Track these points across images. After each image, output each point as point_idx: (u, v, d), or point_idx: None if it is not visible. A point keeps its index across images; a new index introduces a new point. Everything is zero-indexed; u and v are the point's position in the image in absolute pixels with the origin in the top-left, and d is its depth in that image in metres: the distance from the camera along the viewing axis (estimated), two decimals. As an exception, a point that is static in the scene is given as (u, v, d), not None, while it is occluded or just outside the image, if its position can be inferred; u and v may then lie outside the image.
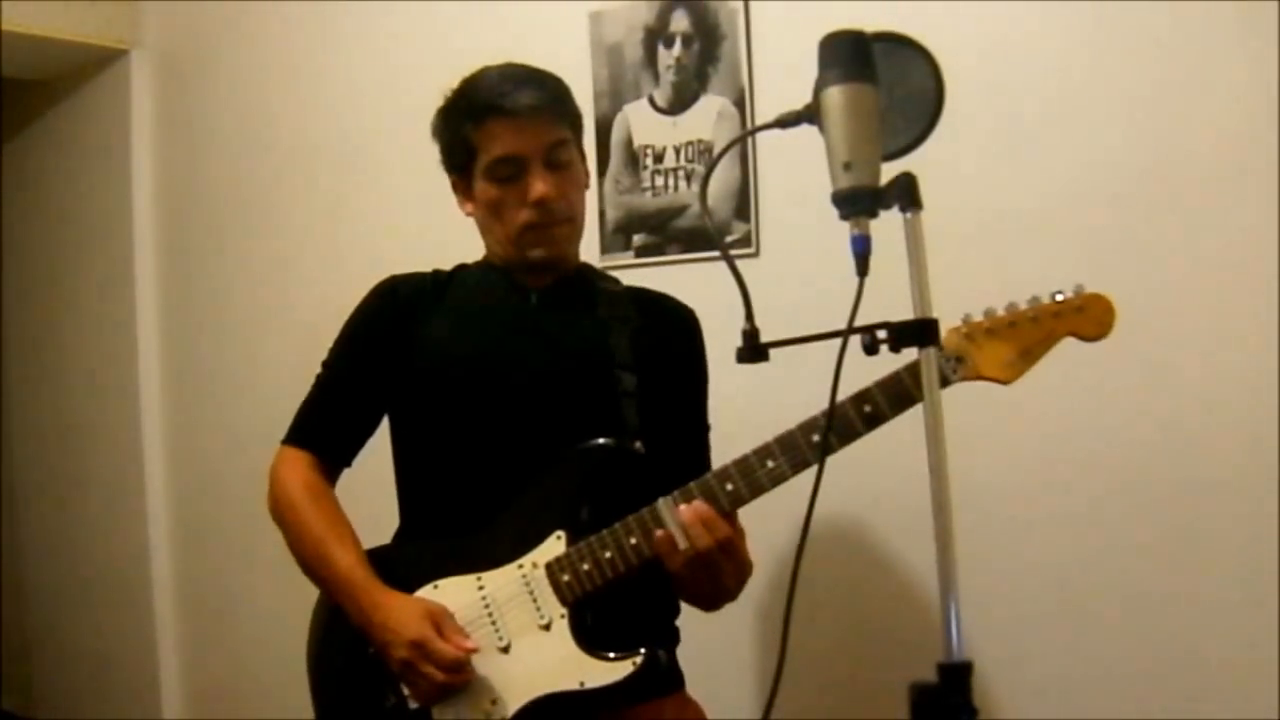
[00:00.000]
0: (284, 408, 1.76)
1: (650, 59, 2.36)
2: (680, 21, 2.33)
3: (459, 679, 1.51)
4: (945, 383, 1.38)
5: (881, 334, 1.13)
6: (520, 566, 1.56)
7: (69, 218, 3.39)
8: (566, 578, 1.53)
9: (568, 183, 1.64)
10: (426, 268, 1.77)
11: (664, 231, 2.36)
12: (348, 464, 1.74)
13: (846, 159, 1.10)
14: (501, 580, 1.56)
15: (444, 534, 1.63)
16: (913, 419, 1.28)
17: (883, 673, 2.11)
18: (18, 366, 3.69)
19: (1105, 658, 1.95)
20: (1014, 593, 2.00)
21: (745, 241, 2.26)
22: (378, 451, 1.74)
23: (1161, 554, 1.91)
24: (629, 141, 2.39)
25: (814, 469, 1.23)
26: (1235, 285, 1.86)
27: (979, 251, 1.99)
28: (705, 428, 1.74)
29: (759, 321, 1.21)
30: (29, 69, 3.25)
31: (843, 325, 1.12)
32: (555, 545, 1.55)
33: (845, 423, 1.41)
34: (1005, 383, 1.41)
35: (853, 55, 1.13)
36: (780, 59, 2.21)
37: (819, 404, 1.26)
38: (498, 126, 1.60)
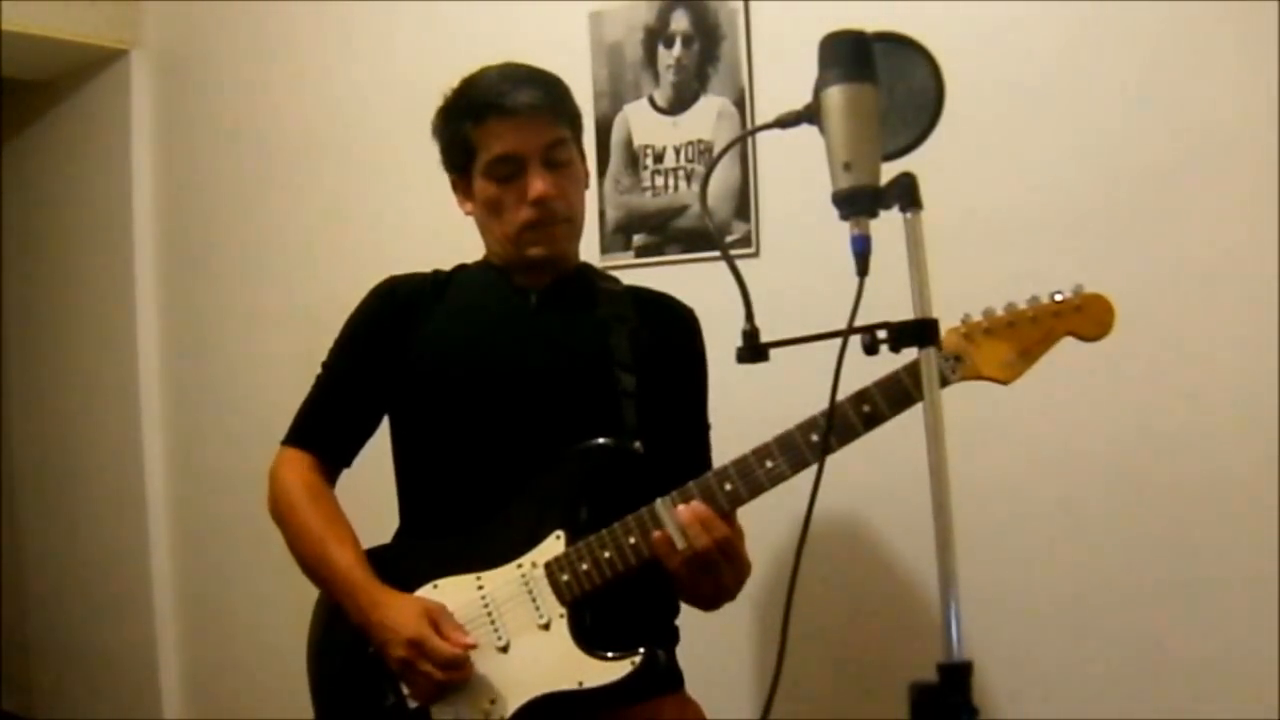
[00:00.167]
0: (284, 408, 1.76)
1: (650, 59, 2.37)
2: (680, 21, 2.33)
3: (458, 677, 1.51)
4: (944, 383, 1.38)
5: (881, 334, 1.13)
6: (519, 566, 1.56)
7: (69, 218, 3.39)
8: (565, 577, 1.53)
9: (567, 182, 1.64)
10: (427, 268, 1.77)
11: (664, 231, 2.36)
12: (348, 464, 1.74)
13: (846, 159, 1.10)
14: (501, 580, 1.56)
15: (443, 533, 1.63)
16: (913, 418, 1.28)
17: (883, 672, 2.11)
18: (18, 366, 3.69)
19: (1105, 658, 1.95)
20: (1014, 593, 2.00)
21: (745, 241, 2.26)
22: (378, 451, 1.74)
23: (1162, 554, 1.91)
24: (629, 141, 2.39)
25: (813, 469, 1.23)
26: (1235, 285, 1.86)
27: (978, 251, 1.99)
28: (705, 427, 1.74)
29: (759, 321, 1.21)
30: (29, 69, 3.25)
31: (843, 325, 1.12)
32: (554, 545, 1.55)
33: (844, 423, 1.41)
34: (1004, 383, 1.41)
35: (853, 55, 1.13)
36: (780, 59, 2.21)
37: (819, 404, 1.26)
38: (497, 125, 1.60)
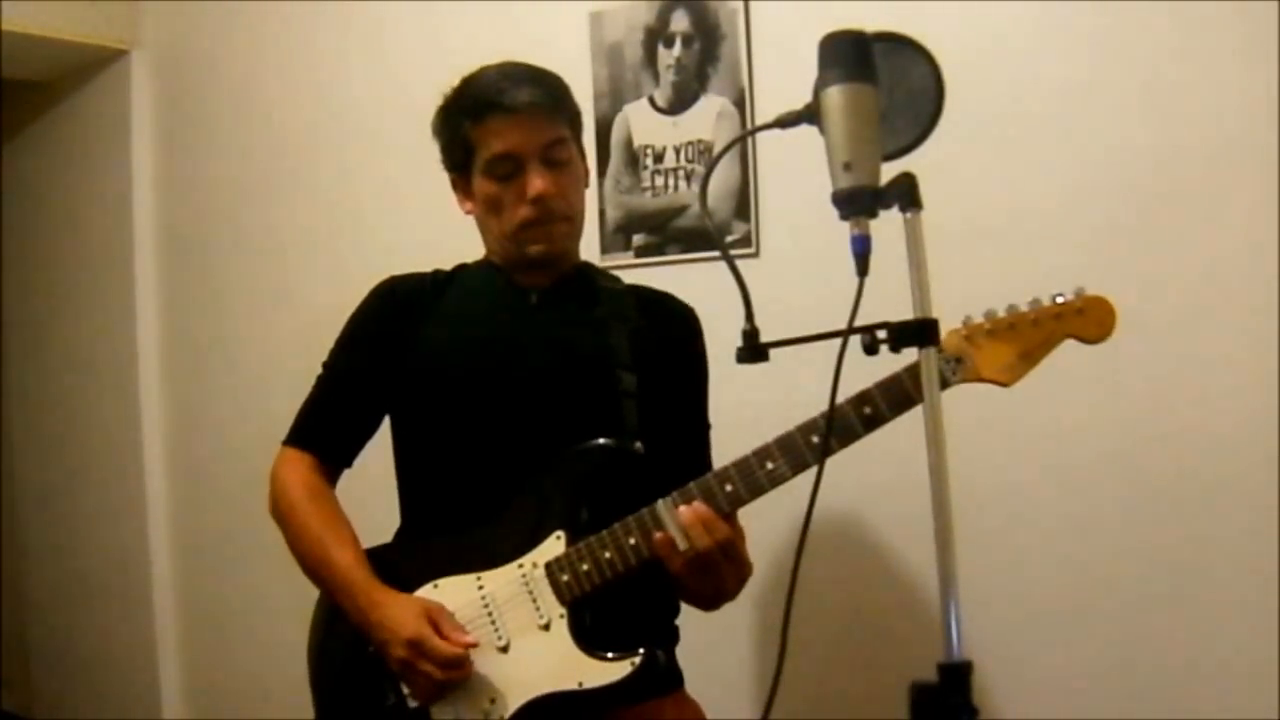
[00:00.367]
0: (284, 407, 1.76)
1: (650, 59, 2.36)
2: (680, 21, 2.33)
3: (458, 676, 1.51)
4: (945, 385, 1.37)
5: (881, 334, 1.13)
6: (520, 566, 1.55)
7: (69, 218, 3.38)
8: (566, 578, 1.53)
9: (566, 180, 1.64)
10: (427, 268, 1.77)
11: (664, 231, 2.36)
12: (348, 464, 1.74)
13: (846, 159, 1.10)
14: (501, 580, 1.56)
15: (444, 533, 1.63)
16: (913, 419, 1.29)
17: (883, 672, 2.11)
18: (18, 365, 3.68)
19: (1105, 658, 1.95)
20: (1014, 593, 2.00)
21: (745, 241, 2.26)
22: (379, 451, 1.74)
23: (1162, 554, 1.91)
24: (629, 141, 2.39)
25: (814, 470, 1.23)
26: (1236, 286, 1.86)
27: (978, 252, 1.99)
28: (706, 427, 1.74)
29: (759, 321, 1.21)
30: (29, 69, 3.25)
31: (843, 325, 1.12)
32: (555, 545, 1.54)
33: (845, 424, 1.41)
34: (1005, 385, 1.40)
35: (853, 55, 1.13)
36: (780, 59, 2.22)
37: (819, 404, 1.26)
38: (496, 124, 1.60)
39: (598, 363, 1.64)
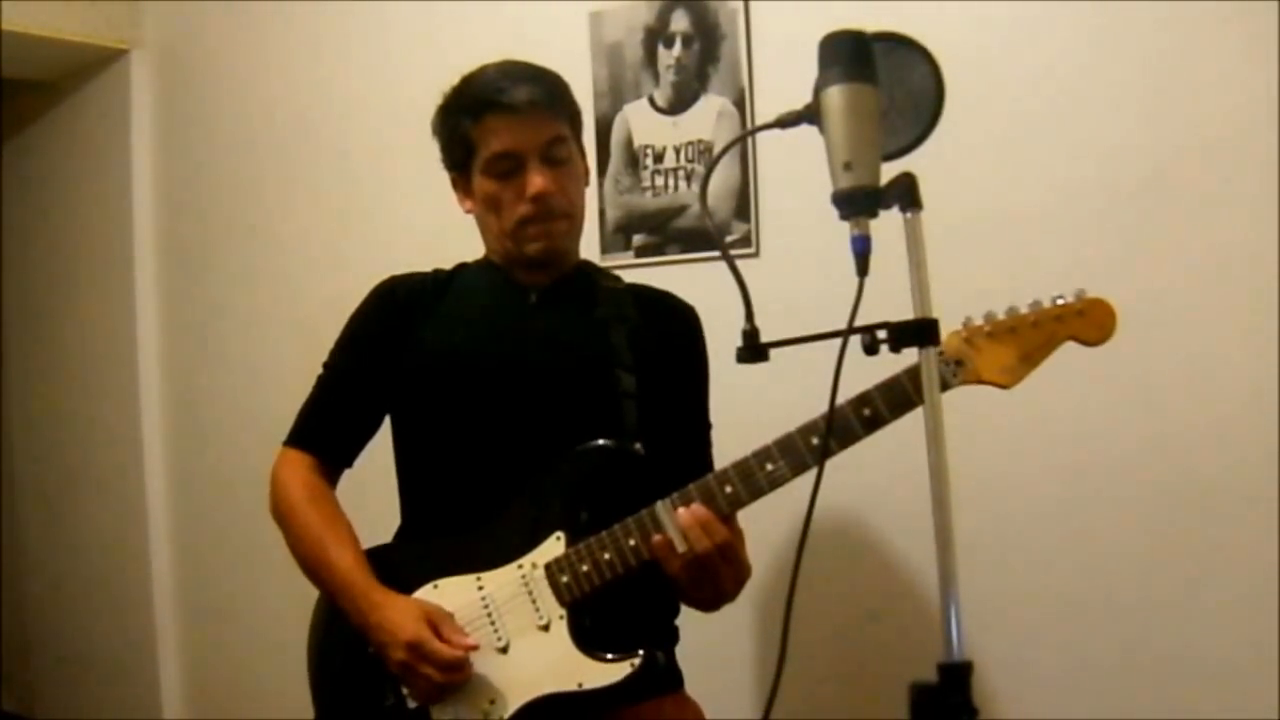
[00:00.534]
0: (284, 407, 1.76)
1: (650, 59, 2.36)
2: (680, 21, 2.33)
3: (457, 678, 1.51)
4: (945, 387, 1.37)
5: (881, 334, 1.13)
6: (520, 567, 1.55)
7: (69, 218, 3.39)
8: (565, 579, 1.52)
9: (566, 178, 1.64)
10: (428, 267, 1.77)
11: (664, 231, 2.36)
12: (349, 465, 1.74)
13: (847, 159, 1.10)
14: (501, 580, 1.56)
15: (444, 533, 1.63)
16: (914, 419, 1.29)
17: (883, 672, 2.11)
18: (18, 365, 3.69)
19: (1105, 658, 1.95)
20: (1014, 593, 2.00)
21: (745, 241, 2.25)
22: (379, 451, 1.74)
23: (1162, 554, 1.91)
24: (629, 141, 2.39)
25: (813, 471, 1.23)
26: (1236, 286, 1.86)
27: (978, 252, 1.99)
28: (706, 426, 1.73)
29: (759, 321, 1.21)
30: (29, 69, 3.25)
31: (843, 325, 1.12)
32: (555, 546, 1.54)
33: (845, 426, 1.40)
34: (1005, 387, 1.40)
35: (853, 55, 1.13)
36: (780, 59, 2.21)
37: (819, 404, 1.26)
38: (495, 122, 1.60)
39: (597, 363, 1.64)
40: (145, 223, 3.17)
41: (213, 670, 3.12)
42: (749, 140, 2.23)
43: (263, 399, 2.85)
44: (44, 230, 3.49)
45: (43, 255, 3.51)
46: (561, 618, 1.53)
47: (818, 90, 1.14)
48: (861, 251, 1.10)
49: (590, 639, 1.52)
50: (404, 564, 1.61)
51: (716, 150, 2.28)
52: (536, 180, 1.59)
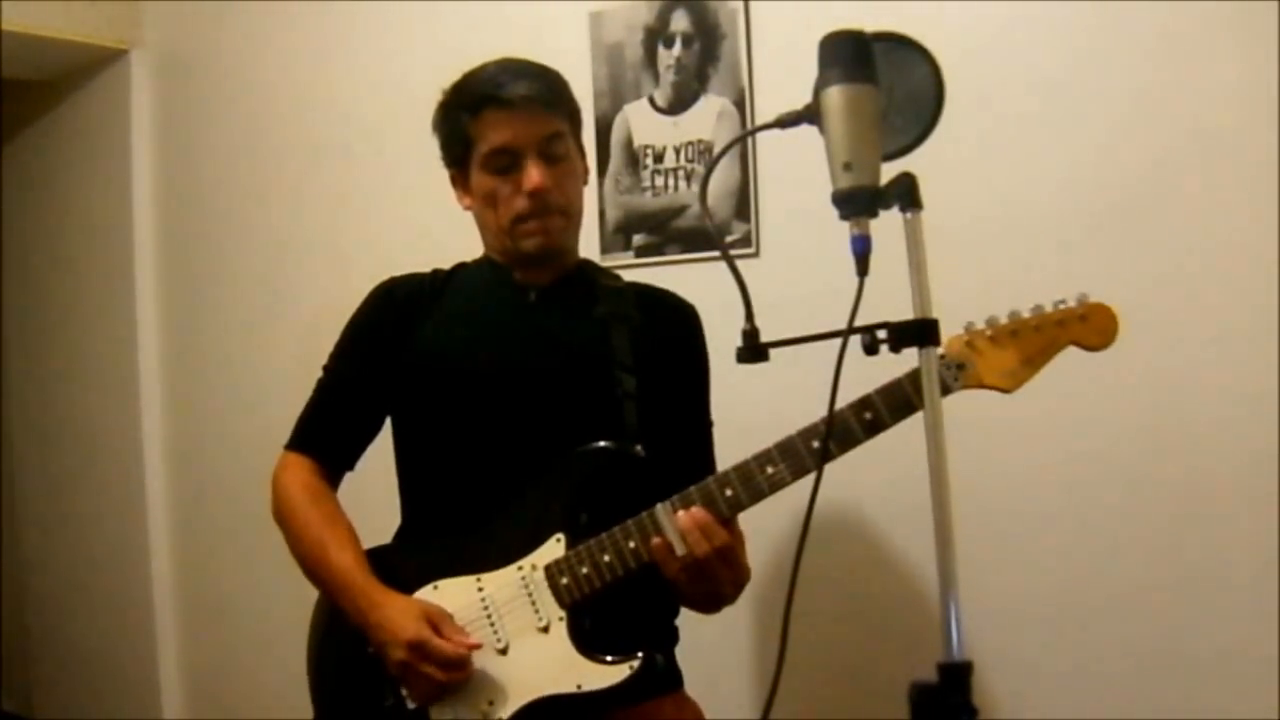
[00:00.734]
0: (284, 407, 1.76)
1: (650, 59, 2.36)
2: (680, 21, 2.33)
3: (459, 677, 1.51)
4: (947, 391, 1.36)
5: (881, 334, 1.13)
6: (520, 568, 1.55)
7: (69, 218, 3.39)
8: (565, 580, 1.52)
9: (563, 175, 1.63)
10: (428, 267, 1.77)
11: (664, 231, 2.36)
12: (350, 467, 1.74)
13: (846, 159, 1.10)
14: (501, 582, 1.56)
15: (444, 534, 1.63)
16: (914, 419, 1.29)
17: (883, 672, 2.11)
18: (18, 366, 3.68)
19: (1105, 658, 1.95)
20: (1014, 593, 2.00)
21: (745, 241, 2.25)
22: (379, 452, 1.74)
23: (1162, 555, 1.91)
24: (629, 141, 2.39)
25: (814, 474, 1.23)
26: (1236, 286, 1.85)
27: (978, 252, 1.99)
28: (708, 424, 1.73)
29: (759, 321, 1.21)
30: (29, 69, 3.25)
31: (843, 325, 1.12)
32: (554, 548, 1.54)
33: (845, 429, 1.40)
34: (1007, 391, 1.40)
35: (853, 55, 1.13)
36: (780, 59, 2.21)
37: (819, 404, 1.26)
38: (494, 117, 1.60)
39: (597, 363, 1.63)
40: (145, 223, 3.16)
41: (213, 670, 3.12)
42: (749, 140, 2.23)
43: (262, 398, 2.85)
44: (44, 230, 3.49)
45: (43, 255, 3.51)
46: (561, 619, 1.52)
47: (818, 90, 1.14)
48: (861, 252, 1.10)
49: (590, 640, 1.52)
50: (404, 565, 1.61)
51: (716, 150, 2.28)
52: (534, 175, 1.59)
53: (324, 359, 1.75)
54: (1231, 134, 1.85)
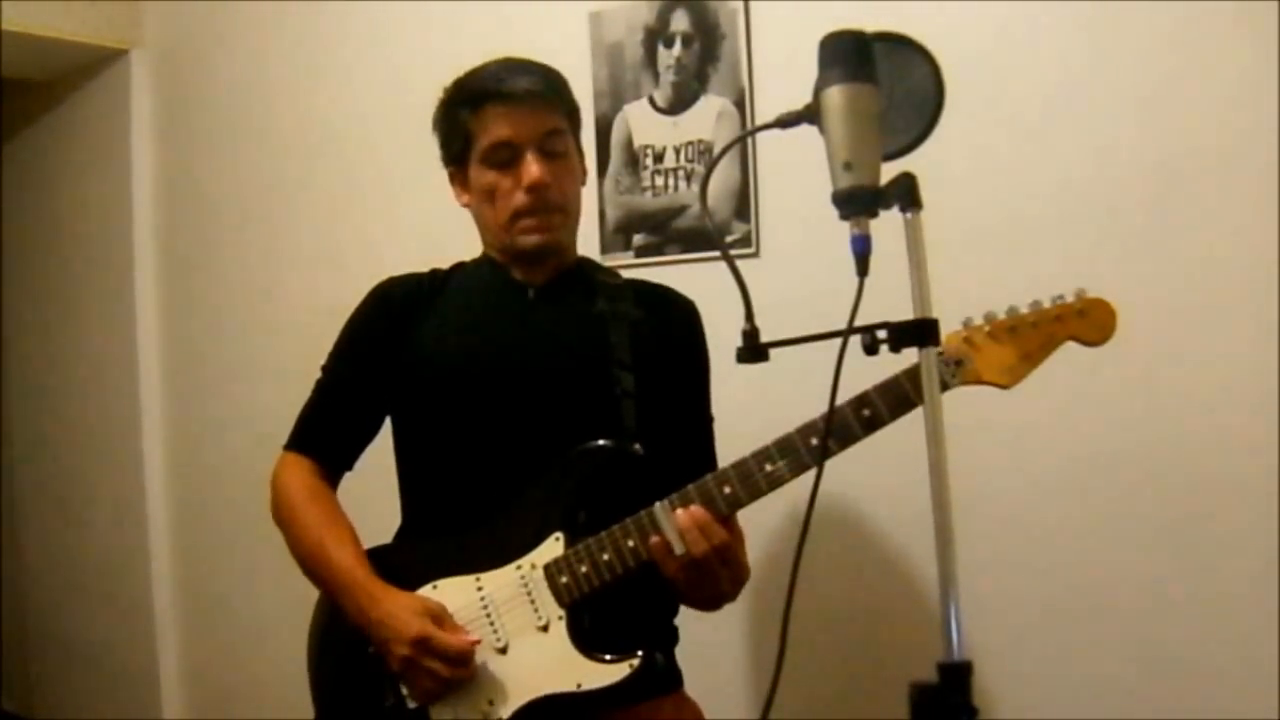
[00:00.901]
0: (283, 407, 1.76)
1: (650, 59, 2.36)
2: (680, 21, 2.33)
3: (462, 673, 1.51)
4: (945, 387, 1.37)
5: (881, 334, 1.13)
6: (519, 568, 1.55)
7: (69, 218, 3.39)
8: (564, 579, 1.52)
9: (562, 172, 1.64)
10: (426, 267, 1.77)
11: (664, 231, 2.36)
12: (349, 468, 1.74)
13: (847, 159, 1.10)
14: (500, 581, 1.56)
15: (444, 534, 1.63)
16: (914, 418, 1.28)
17: (882, 672, 2.11)
18: (18, 368, 3.69)
19: (1106, 658, 1.95)
20: (1014, 593, 2.00)
21: (745, 241, 2.25)
22: (379, 452, 1.74)
23: (1162, 554, 1.91)
24: (629, 141, 2.39)
25: (813, 471, 1.23)
26: (1236, 286, 1.85)
27: (979, 252, 1.99)
28: (708, 420, 1.73)
29: (759, 321, 1.21)
30: (29, 69, 3.26)
31: (843, 325, 1.12)
32: (554, 547, 1.54)
33: (844, 426, 1.40)
34: (1005, 387, 1.40)
35: (853, 55, 1.13)
36: (780, 59, 2.21)
37: (819, 403, 1.26)
38: (494, 111, 1.60)
39: (597, 362, 1.63)
40: (145, 223, 3.17)
41: (213, 670, 3.12)
42: (749, 140, 2.23)
43: (262, 398, 2.85)
44: (44, 230, 3.50)
45: (43, 255, 3.51)
46: (560, 618, 1.52)
47: (818, 90, 1.14)
48: (861, 252, 1.10)
49: (589, 639, 1.52)
50: (404, 564, 1.61)
51: (716, 150, 2.28)
52: (533, 169, 1.59)
53: (323, 359, 1.75)
54: (1232, 134, 1.85)
